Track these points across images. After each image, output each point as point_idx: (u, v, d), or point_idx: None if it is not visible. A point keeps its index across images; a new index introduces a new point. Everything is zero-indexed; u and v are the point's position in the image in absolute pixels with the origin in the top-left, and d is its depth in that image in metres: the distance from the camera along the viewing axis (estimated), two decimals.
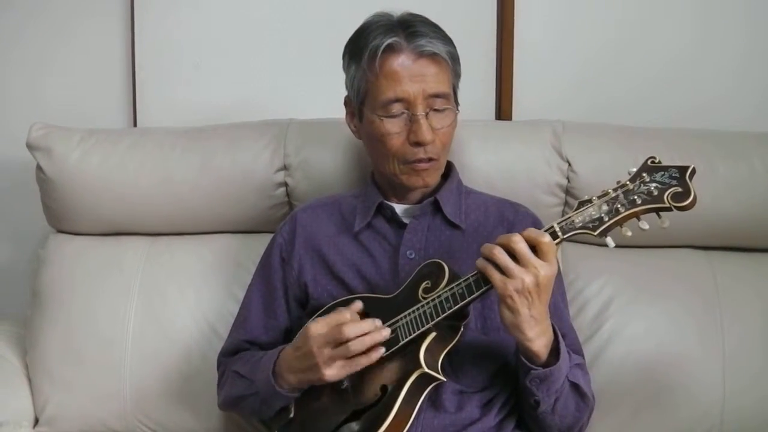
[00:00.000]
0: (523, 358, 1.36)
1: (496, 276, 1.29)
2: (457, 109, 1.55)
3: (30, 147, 1.95)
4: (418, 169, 1.52)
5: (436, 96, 1.49)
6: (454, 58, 1.53)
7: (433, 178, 1.56)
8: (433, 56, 1.48)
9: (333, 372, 1.38)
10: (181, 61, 2.25)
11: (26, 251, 2.27)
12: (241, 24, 2.23)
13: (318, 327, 1.39)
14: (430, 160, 1.52)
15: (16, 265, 2.33)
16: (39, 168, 1.95)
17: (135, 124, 2.27)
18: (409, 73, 1.47)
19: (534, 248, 1.29)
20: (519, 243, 1.29)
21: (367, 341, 1.36)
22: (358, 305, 1.43)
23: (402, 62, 1.47)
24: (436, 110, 1.50)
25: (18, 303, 2.16)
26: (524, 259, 1.28)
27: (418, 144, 1.49)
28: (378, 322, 1.39)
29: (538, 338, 1.33)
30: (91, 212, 1.97)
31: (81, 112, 2.24)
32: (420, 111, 1.48)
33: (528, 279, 1.28)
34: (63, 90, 2.30)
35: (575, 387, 1.43)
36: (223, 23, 2.23)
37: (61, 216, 2.00)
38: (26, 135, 1.95)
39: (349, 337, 1.35)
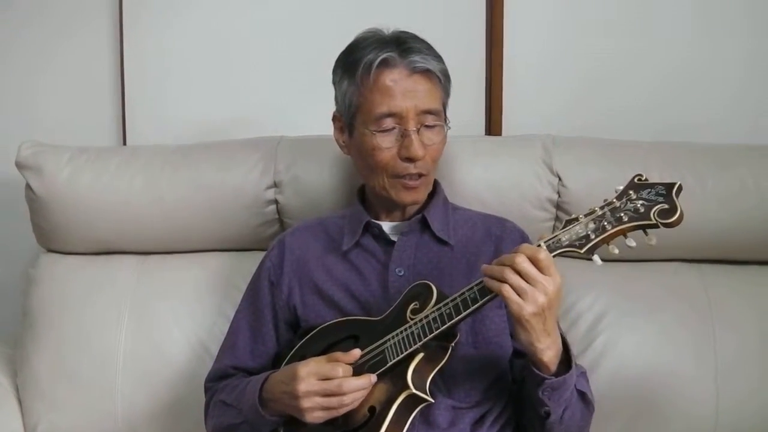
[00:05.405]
0: (535, 369, 1.34)
1: (514, 298, 1.27)
2: (448, 126, 1.55)
3: (19, 166, 1.94)
4: (409, 186, 1.53)
5: (428, 112, 1.50)
6: (446, 77, 1.55)
7: (422, 195, 1.57)
8: (426, 73, 1.50)
9: (316, 416, 1.37)
10: (171, 78, 2.25)
11: (16, 271, 2.24)
12: (230, 41, 2.23)
13: (308, 373, 1.36)
14: (419, 176, 1.52)
15: (5, 285, 2.31)
16: (28, 187, 1.95)
17: (125, 142, 2.26)
18: (402, 88, 1.48)
19: (533, 265, 1.28)
20: (524, 263, 1.27)
21: (359, 397, 1.35)
22: (356, 353, 1.39)
23: (395, 77, 1.48)
24: (427, 126, 1.51)
25: (8, 323, 2.16)
26: (532, 278, 1.27)
27: (409, 159, 1.50)
28: (373, 377, 1.37)
29: (549, 349, 1.32)
30: (82, 231, 1.96)
31: (70, 131, 2.23)
32: (412, 126, 1.49)
33: (541, 298, 1.27)
34: (52, 108, 2.30)
35: (581, 395, 1.43)
36: (212, 41, 2.23)
37: (51, 235, 1.99)
38: (15, 154, 1.94)
39: (346, 392, 1.34)
